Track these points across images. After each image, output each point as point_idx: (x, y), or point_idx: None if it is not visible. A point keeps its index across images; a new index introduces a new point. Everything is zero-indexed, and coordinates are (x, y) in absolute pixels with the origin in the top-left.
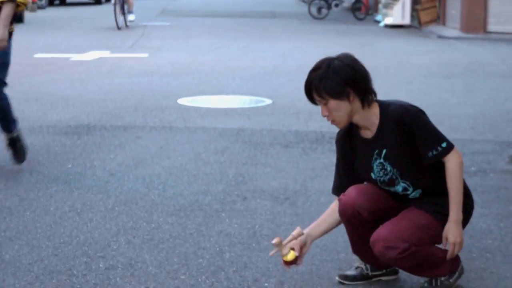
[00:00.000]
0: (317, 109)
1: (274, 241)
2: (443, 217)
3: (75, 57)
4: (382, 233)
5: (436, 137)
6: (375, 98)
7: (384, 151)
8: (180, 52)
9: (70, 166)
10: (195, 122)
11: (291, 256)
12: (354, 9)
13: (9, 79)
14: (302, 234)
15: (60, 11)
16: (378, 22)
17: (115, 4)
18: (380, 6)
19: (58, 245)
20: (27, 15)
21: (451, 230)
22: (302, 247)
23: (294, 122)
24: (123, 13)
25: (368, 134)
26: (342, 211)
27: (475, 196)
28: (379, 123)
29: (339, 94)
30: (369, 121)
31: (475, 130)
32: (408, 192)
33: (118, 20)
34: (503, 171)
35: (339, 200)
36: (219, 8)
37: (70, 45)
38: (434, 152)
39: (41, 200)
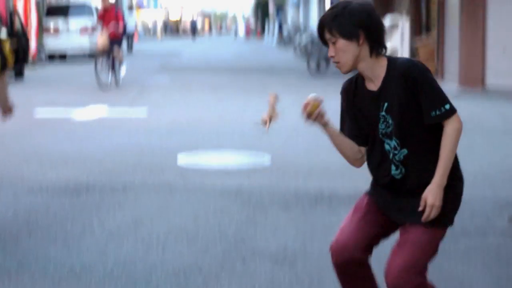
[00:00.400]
0: (316, 166)
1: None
2: (443, 219)
3: (75, 114)
4: (392, 268)
5: (440, 97)
6: (384, 53)
7: (386, 104)
8: (180, 108)
9: (69, 226)
10: (194, 181)
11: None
12: None
13: (9, 137)
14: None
15: (60, 68)
16: None
17: (96, 64)
18: None
19: None
20: (27, 72)
21: (432, 192)
22: (318, 116)
23: (293, 181)
24: (114, 71)
25: (372, 86)
26: (336, 261)
27: (475, 256)
28: (385, 75)
29: (349, 34)
30: (375, 72)
31: (474, 188)
32: (396, 152)
33: (103, 79)
34: (502, 232)
35: (330, 250)
36: (218, 64)
37: (70, 101)
38: (438, 112)
39: (40, 263)
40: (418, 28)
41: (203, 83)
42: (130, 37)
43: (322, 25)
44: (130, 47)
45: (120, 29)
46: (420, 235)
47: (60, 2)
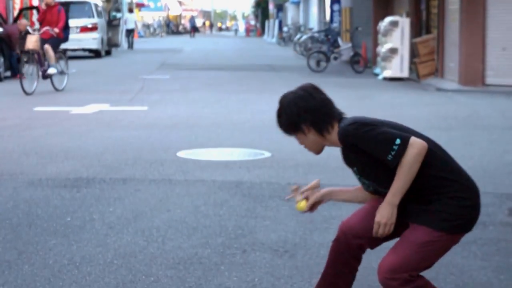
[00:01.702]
0: (316, 161)
1: (293, 187)
2: (442, 223)
3: (75, 110)
4: (384, 264)
5: (386, 141)
6: (337, 120)
7: (355, 168)
8: (180, 106)
9: (69, 219)
10: (194, 174)
11: (302, 205)
12: (353, 62)
13: (8, 132)
14: (318, 186)
15: None
16: (376, 75)
17: (20, 67)
18: (378, 59)
19: None
20: None
21: (380, 209)
22: (317, 202)
23: (293, 175)
24: (42, 74)
25: None
26: (338, 239)
27: (475, 248)
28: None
29: (294, 130)
30: (336, 144)
31: None
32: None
33: (26, 85)
34: (502, 224)
35: (339, 227)
36: (218, 62)
37: (70, 98)
38: (393, 153)
39: (40, 254)
40: (418, 28)
41: (203, 80)
42: (131, 35)
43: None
44: (130, 44)
45: (56, 32)
46: (420, 235)
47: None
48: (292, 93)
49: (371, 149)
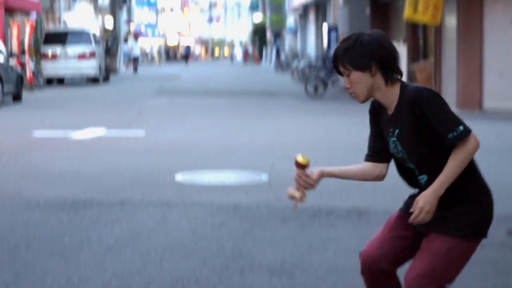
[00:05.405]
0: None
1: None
2: (461, 232)
3: (73, 135)
4: (407, 278)
5: (453, 119)
6: (399, 78)
7: (397, 130)
8: (177, 130)
9: (66, 240)
10: (192, 197)
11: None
12: None
13: (6, 156)
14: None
15: (58, 91)
16: None
17: None
18: None
19: None
20: (25, 94)
21: (425, 196)
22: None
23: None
24: None
25: (389, 111)
26: (363, 271)
27: (473, 268)
28: (397, 102)
29: (362, 66)
30: (390, 99)
31: None
32: (416, 174)
33: None
34: (500, 244)
35: (359, 257)
36: (215, 87)
37: (68, 123)
38: (455, 134)
39: (38, 275)
40: (416, 54)
41: (200, 105)
42: (136, 61)
43: (336, 58)
44: (135, 69)
45: None
46: (439, 244)
47: (58, 29)
48: (370, 33)
49: (437, 120)
